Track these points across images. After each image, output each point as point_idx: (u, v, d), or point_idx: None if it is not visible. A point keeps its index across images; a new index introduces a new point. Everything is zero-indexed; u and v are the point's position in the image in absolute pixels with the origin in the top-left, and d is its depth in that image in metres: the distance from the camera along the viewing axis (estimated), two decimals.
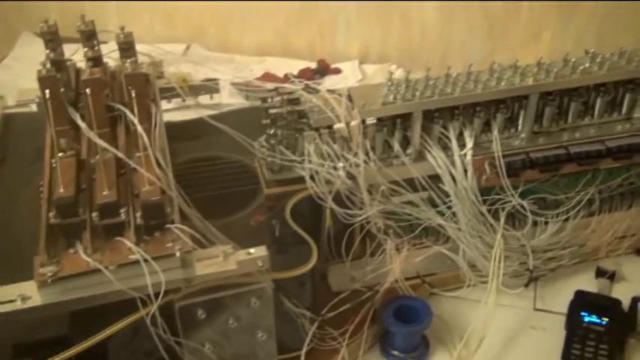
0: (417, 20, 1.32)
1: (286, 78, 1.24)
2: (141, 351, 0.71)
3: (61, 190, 0.67)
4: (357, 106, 0.78)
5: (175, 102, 0.88)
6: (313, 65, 1.36)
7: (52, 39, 0.76)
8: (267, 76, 1.28)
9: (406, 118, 0.82)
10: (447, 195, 0.83)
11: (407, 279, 0.86)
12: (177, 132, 0.90)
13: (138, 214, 0.66)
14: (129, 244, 0.65)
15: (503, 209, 0.85)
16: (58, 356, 0.63)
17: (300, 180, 0.80)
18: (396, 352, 0.83)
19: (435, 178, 0.83)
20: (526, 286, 0.87)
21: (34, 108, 0.96)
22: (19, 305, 0.63)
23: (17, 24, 1.56)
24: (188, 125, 0.94)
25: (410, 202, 0.83)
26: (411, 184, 0.83)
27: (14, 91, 1.29)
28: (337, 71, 1.34)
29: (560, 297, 0.88)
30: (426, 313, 0.82)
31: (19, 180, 0.85)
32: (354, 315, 0.81)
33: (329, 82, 1.30)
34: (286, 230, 0.79)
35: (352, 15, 1.35)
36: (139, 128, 0.68)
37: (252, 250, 0.69)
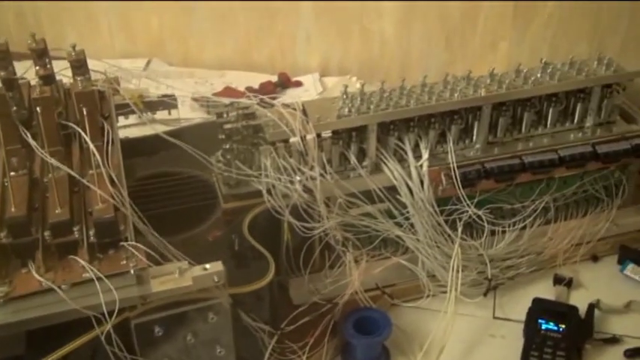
0: (376, 32, 1.33)
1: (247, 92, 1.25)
2: None
3: (13, 210, 0.66)
4: (312, 120, 0.79)
5: (134, 118, 0.87)
6: (274, 79, 1.36)
7: (3, 57, 0.75)
8: (228, 91, 1.28)
9: (362, 130, 0.82)
10: (405, 206, 0.84)
11: (367, 290, 0.86)
12: (134, 148, 0.90)
13: (91, 232, 0.66)
14: (82, 262, 0.65)
15: (460, 219, 0.86)
16: None
17: (257, 194, 0.81)
18: None
19: (392, 190, 0.84)
20: (485, 295, 0.88)
21: None
22: None
23: None
24: (145, 141, 0.94)
25: (368, 214, 0.84)
26: (369, 196, 0.84)
27: None
28: (298, 84, 1.35)
29: (519, 305, 0.89)
30: (385, 324, 0.82)
31: None
32: (314, 328, 0.81)
33: (290, 95, 1.31)
34: (245, 244, 0.79)
35: (312, 28, 1.35)
36: (91, 146, 0.67)
37: (207, 266, 0.69)
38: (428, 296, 0.89)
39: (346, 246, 0.83)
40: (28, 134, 0.69)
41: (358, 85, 1.30)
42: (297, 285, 0.86)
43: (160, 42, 1.44)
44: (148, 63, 1.43)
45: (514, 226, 0.89)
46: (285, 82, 1.34)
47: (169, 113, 0.94)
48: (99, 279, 0.64)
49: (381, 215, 0.84)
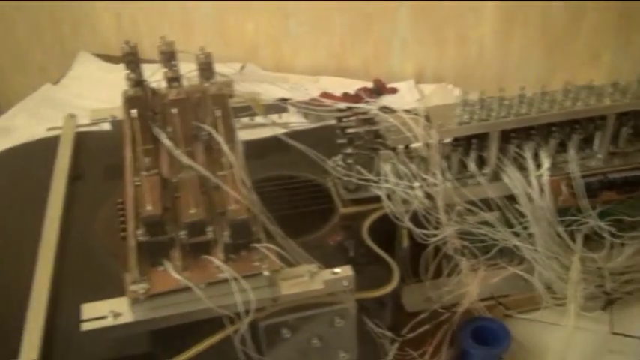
0: (474, 38, 1.32)
1: (345, 97, 1.25)
2: None
3: (149, 208, 0.67)
4: (435, 126, 0.78)
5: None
6: (368, 84, 1.36)
7: (133, 60, 0.77)
8: (326, 96, 1.28)
9: (481, 138, 0.81)
10: (523, 215, 0.83)
11: (481, 300, 0.85)
12: (248, 151, 0.91)
13: (225, 233, 0.67)
14: (217, 262, 0.65)
15: (579, 230, 0.84)
16: None
17: (376, 199, 0.81)
18: None
19: (510, 199, 0.83)
20: (603, 309, 0.86)
21: (105, 127, 0.96)
22: (110, 322, 0.64)
23: (73, 44, 1.58)
24: (256, 144, 0.95)
25: (485, 223, 0.83)
26: (485, 205, 0.82)
27: (79, 110, 1.31)
28: (393, 91, 1.35)
29: (638, 320, 0.86)
30: (504, 335, 0.80)
31: (94, 198, 0.86)
32: (430, 336, 0.80)
33: (385, 101, 1.30)
34: (359, 250, 0.79)
35: (408, 34, 1.35)
36: (225, 148, 0.68)
37: (337, 270, 0.69)
38: (544, 308, 0.87)
39: (464, 254, 0.82)
40: (163, 135, 0.70)
41: (456, 93, 1.30)
42: (411, 292, 0.85)
43: (254, 47, 1.46)
44: (242, 67, 1.45)
45: (635, 239, 0.86)
46: (380, 89, 1.34)
47: (280, 117, 0.95)
48: (234, 279, 0.64)
49: (499, 224, 0.82)
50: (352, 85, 1.35)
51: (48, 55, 1.65)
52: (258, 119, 0.88)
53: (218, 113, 0.69)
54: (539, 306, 0.87)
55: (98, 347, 0.66)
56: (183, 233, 0.67)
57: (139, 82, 0.76)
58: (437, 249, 0.83)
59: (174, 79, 0.77)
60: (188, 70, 0.81)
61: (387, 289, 0.73)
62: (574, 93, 0.83)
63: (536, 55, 1.29)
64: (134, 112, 0.68)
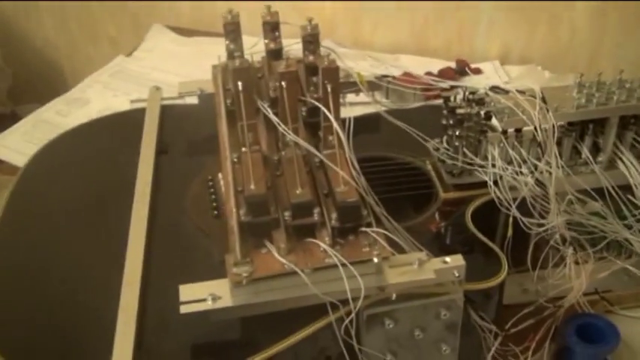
0: (566, 19, 1.25)
1: (429, 77, 1.20)
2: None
3: (252, 187, 0.64)
4: (551, 109, 0.73)
5: None
6: (451, 64, 1.30)
7: (234, 30, 0.73)
8: (408, 76, 1.24)
9: (598, 123, 0.76)
10: (637, 207, 0.77)
11: (584, 295, 0.80)
12: None
13: (333, 216, 0.63)
14: (324, 246, 0.62)
15: None
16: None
17: (479, 185, 0.76)
18: None
19: (623, 189, 0.77)
20: None
21: (189, 100, 0.93)
22: (209, 305, 0.61)
23: (145, 17, 1.56)
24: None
25: (596, 214, 0.78)
26: (597, 194, 0.77)
27: (152, 83, 1.29)
28: (478, 71, 1.29)
29: None
30: (612, 333, 0.76)
31: (182, 173, 0.83)
32: (534, 331, 0.76)
33: (469, 83, 1.25)
34: (462, 238, 0.74)
35: (495, 13, 1.29)
36: (335, 124, 0.64)
37: (447, 259, 0.65)
38: None
39: (574, 246, 0.77)
40: (269, 110, 0.66)
41: (546, 75, 1.24)
42: (509, 284, 0.81)
43: (333, 24, 1.41)
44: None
45: None
46: (464, 69, 1.29)
47: (357, 95, 0.90)
48: (343, 265, 0.61)
49: (611, 215, 0.77)
50: (433, 65, 1.29)
51: (119, 27, 1.63)
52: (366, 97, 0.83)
53: (329, 88, 0.64)
54: None
55: (193, 331, 0.64)
56: (287, 214, 0.63)
57: (238, 55, 0.72)
58: (541, 240, 0.78)
59: (276, 52, 0.73)
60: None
61: (496, 280, 0.69)
62: None
63: (632, 39, 1.22)
64: (240, 84, 0.64)
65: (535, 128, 0.72)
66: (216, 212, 0.75)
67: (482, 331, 0.71)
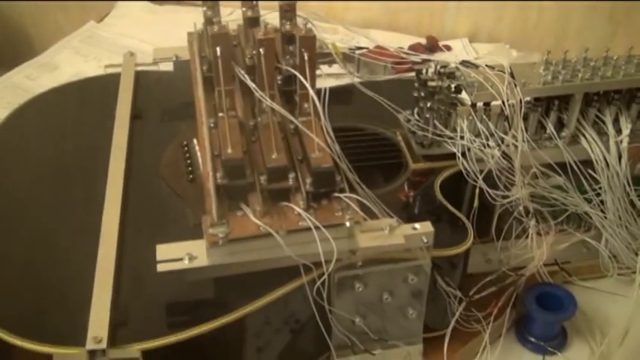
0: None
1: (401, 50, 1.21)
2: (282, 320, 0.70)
3: (229, 151, 0.65)
4: (519, 84, 0.75)
5: None
6: (420, 41, 1.32)
7: None
8: (380, 50, 1.25)
9: (563, 99, 0.79)
10: (596, 182, 0.80)
11: (544, 265, 0.83)
12: None
13: (308, 181, 0.65)
14: (298, 210, 0.64)
15: None
16: (218, 320, 0.63)
17: (448, 157, 0.78)
18: (533, 339, 0.81)
19: (584, 164, 0.80)
20: None
21: (164, 67, 0.94)
22: (186, 264, 0.62)
23: None
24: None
25: (558, 187, 0.81)
26: (560, 169, 0.80)
27: (123, 49, 1.29)
28: (447, 48, 1.31)
29: None
30: (569, 302, 0.79)
31: (157, 138, 0.84)
32: (495, 298, 0.79)
33: (438, 59, 1.27)
34: (425, 207, 0.77)
35: None
36: (311, 92, 0.66)
37: (417, 226, 0.67)
38: (609, 277, 0.85)
39: (536, 218, 0.80)
40: (246, 76, 0.67)
41: (514, 54, 1.26)
42: (472, 253, 0.83)
43: None
44: None
45: None
46: (433, 46, 1.31)
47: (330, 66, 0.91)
48: (316, 228, 0.62)
49: (572, 189, 0.80)
50: (403, 41, 1.31)
51: None
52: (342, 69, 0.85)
53: (306, 56, 0.66)
54: (599, 274, 0.86)
55: (168, 290, 0.65)
56: (263, 178, 0.65)
57: (209, 20, 0.73)
58: (505, 211, 0.80)
59: (254, 20, 0.74)
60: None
61: (462, 248, 0.71)
62: None
63: (597, 19, 1.25)
64: (218, 50, 0.65)
65: (503, 102, 0.74)
66: (191, 176, 0.76)
67: (448, 297, 0.73)
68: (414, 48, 1.28)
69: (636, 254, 0.84)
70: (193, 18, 1.39)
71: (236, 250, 0.63)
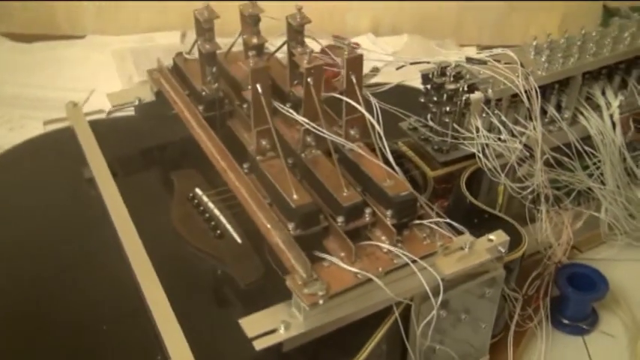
0: None
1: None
2: None
3: (295, 197, 0.58)
4: (530, 74, 0.74)
5: None
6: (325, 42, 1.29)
7: (210, 28, 0.66)
8: None
9: (562, 82, 0.79)
10: (595, 156, 0.82)
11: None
12: None
13: (388, 213, 0.59)
14: (388, 247, 0.58)
15: None
16: None
17: (465, 159, 0.76)
18: (567, 322, 0.81)
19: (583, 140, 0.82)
20: None
21: (120, 113, 0.83)
22: (283, 335, 0.54)
23: None
24: None
25: (567, 168, 0.81)
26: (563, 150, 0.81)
27: (15, 100, 1.13)
28: (356, 46, 1.28)
29: None
30: (600, 279, 0.80)
31: (151, 194, 0.74)
32: (535, 291, 0.78)
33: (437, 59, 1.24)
34: (460, 213, 0.74)
35: None
36: (367, 115, 0.60)
37: (492, 237, 0.64)
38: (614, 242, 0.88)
39: (556, 202, 0.80)
40: (291, 110, 0.60)
41: (431, 43, 1.27)
42: None
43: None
44: (183, 35, 1.32)
45: None
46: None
47: None
48: (414, 262, 0.57)
49: (580, 168, 0.81)
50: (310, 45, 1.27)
51: None
52: None
53: (354, 79, 0.60)
54: (599, 242, 0.89)
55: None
56: (340, 220, 0.58)
57: (210, 54, 0.65)
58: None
59: (259, 47, 0.67)
60: None
61: (520, 251, 0.69)
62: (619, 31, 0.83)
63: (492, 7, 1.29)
64: (259, 86, 0.57)
65: (521, 93, 0.73)
66: (218, 232, 0.67)
67: (507, 300, 0.71)
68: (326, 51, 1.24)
69: (633, 217, 0.86)
70: (76, 53, 1.27)
71: (332, 306, 0.56)
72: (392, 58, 0.99)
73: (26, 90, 1.16)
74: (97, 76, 1.21)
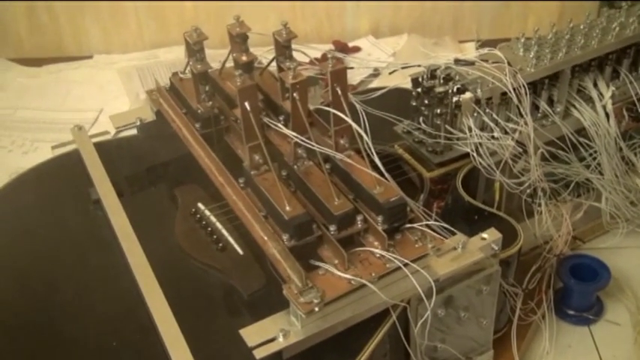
0: None
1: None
2: None
3: (288, 209, 0.60)
4: (518, 71, 0.76)
5: None
6: (325, 47, 1.30)
7: (200, 49, 0.68)
8: None
9: (552, 77, 0.80)
10: (590, 147, 0.83)
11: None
12: None
13: (379, 219, 0.61)
14: (380, 252, 0.60)
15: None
16: None
17: (459, 158, 0.77)
18: (572, 312, 0.82)
19: (577, 132, 0.83)
20: None
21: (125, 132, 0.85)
22: (282, 343, 0.56)
23: None
24: None
25: (564, 161, 0.82)
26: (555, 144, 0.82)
27: (27, 124, 1.17)
28: (357, 49, 1.30)
29: None
30: (603, 268, 0.81)
31: (154, 211, 0.76)
32: (537, 284, 0.79)
33: (354, 62, 1.25)
34: (458, 212, 0.75)
35: None
36: (354, 125, 0.62)
37: (485, 235, 0.65)
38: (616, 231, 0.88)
39: (553, 195, 0.81)
40: (280, 125, 0.62)
41: (426, 42, 1.28)
42: None
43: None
44: None
45: None
46: (343, 49, 1.29)
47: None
48: (406, 265, 0.59)
49: (575, 160, 0.82)
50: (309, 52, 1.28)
51: None
52: None
53: (339, 91, 0.62)
54: (602, 232, 0.89)
55: None
56: (332, 228, 0.60)
57: (202, 74, 0.67)
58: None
59: (248, 64, 0.69)
60: None
61: (516, 246, 0.71)
62: (606, 22, 0.83)
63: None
64: (247, 105, 0.60)
65: (509, 92, 0.74)
66: (220, 245, 0.70)
67: (507, 295, 0.72)
68: (325, 58, 1.25)
69: (634, 205, 0.87)
70: (82, 74, 1.30)
71: (328, 312, 0.58)
72: (385, 63, 1.01)
73: (38, 113, 1.19)
74: (106, 94, 1.24)
